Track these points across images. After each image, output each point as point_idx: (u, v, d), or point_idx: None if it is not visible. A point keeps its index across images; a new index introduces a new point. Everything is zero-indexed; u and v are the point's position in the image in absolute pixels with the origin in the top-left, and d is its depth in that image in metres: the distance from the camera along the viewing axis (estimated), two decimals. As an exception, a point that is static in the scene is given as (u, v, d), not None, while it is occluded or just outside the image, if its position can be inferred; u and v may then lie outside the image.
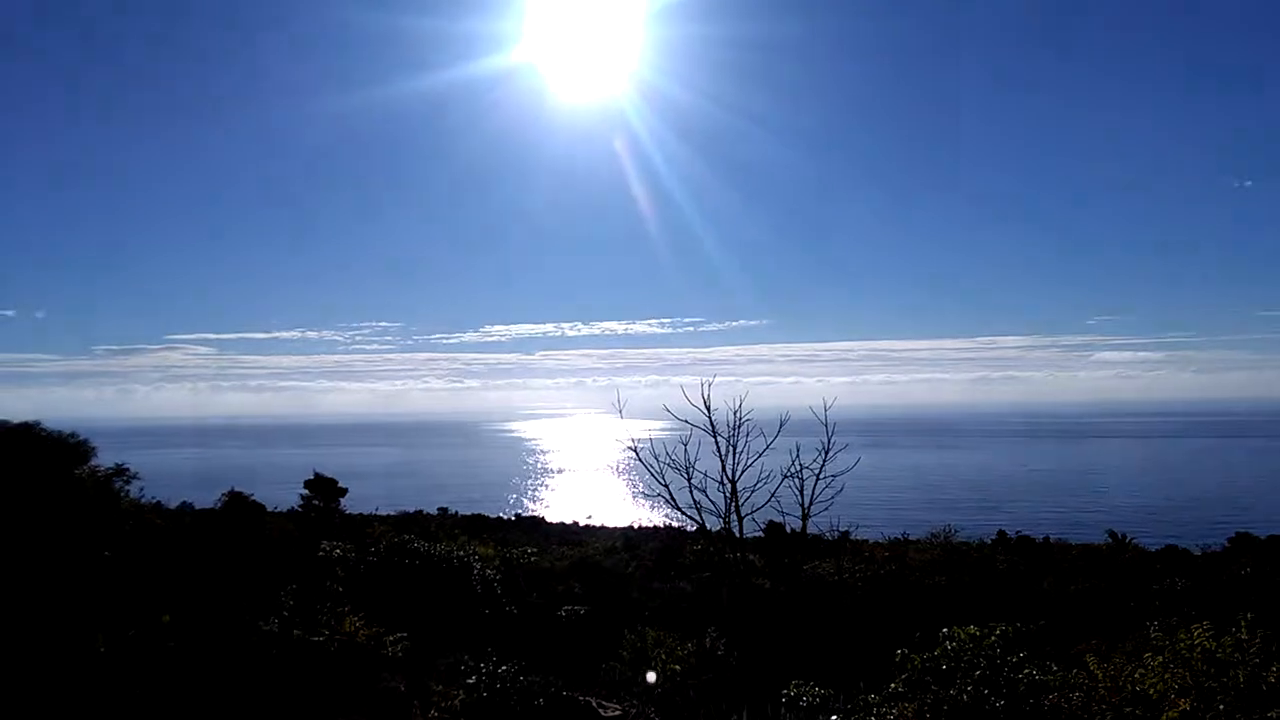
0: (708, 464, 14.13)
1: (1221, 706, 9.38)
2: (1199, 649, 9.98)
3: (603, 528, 55.74)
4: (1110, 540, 30.30)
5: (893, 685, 11.67)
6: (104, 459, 26.65)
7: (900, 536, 33.13)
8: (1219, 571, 21.63)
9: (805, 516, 14.36)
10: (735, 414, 14.23)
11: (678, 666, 15.76)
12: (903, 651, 11.78)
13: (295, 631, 15.95)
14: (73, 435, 24.38)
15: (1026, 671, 10.92)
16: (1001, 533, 36.08)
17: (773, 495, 14.22)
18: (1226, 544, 26.29)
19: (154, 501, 25.54)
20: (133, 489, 24.41)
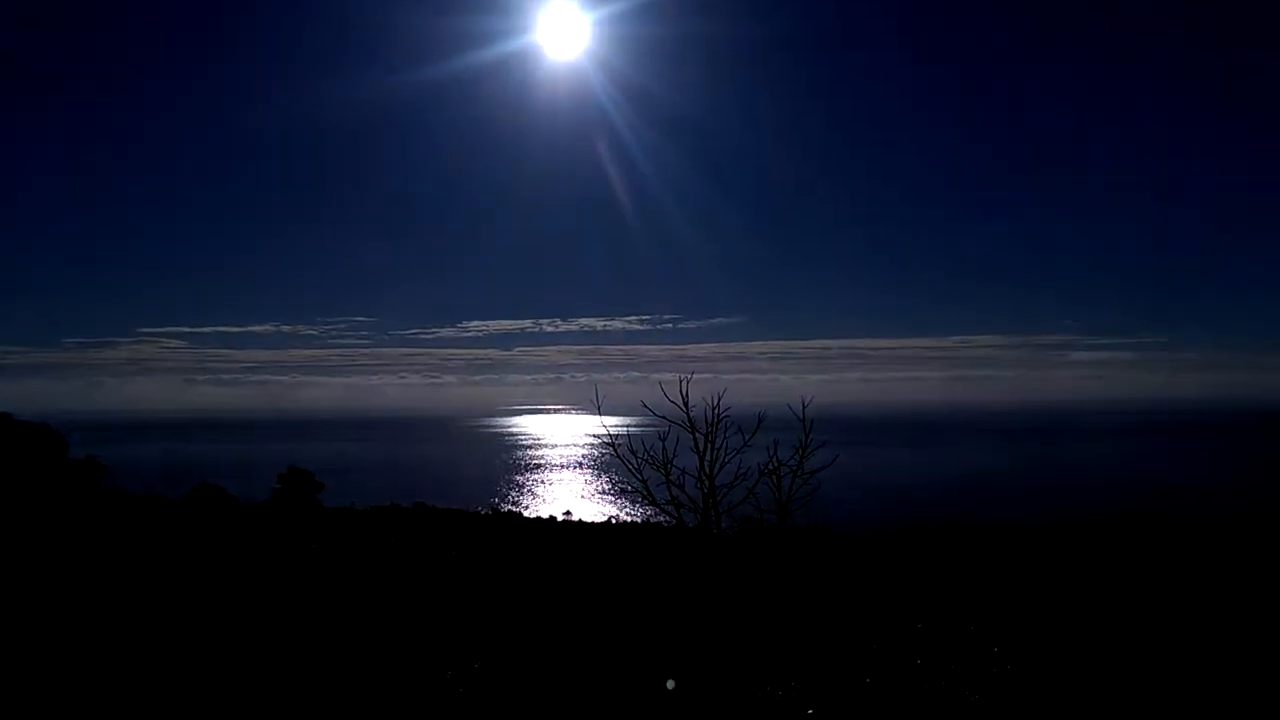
0: (685, 460, 14.13)
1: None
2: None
3: (581, 523, 55.63)
4: (1082, 534, 30.74)
5: (869, 680, 11.71)
6: (75, 452, 26.32)
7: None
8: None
9: (782, 513, 14.41)
10: (713, 410, 14.26)
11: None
12: (876, 646, 11.86)
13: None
14: (45, 426, 24.08)
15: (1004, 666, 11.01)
16: (976, 527, 36.31)
17: (750, 492, 14.27)
18: (1195, 535, 26.87)
19: (125, 494, 25.24)
20: (103, 482, 24.10)
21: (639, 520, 52.10)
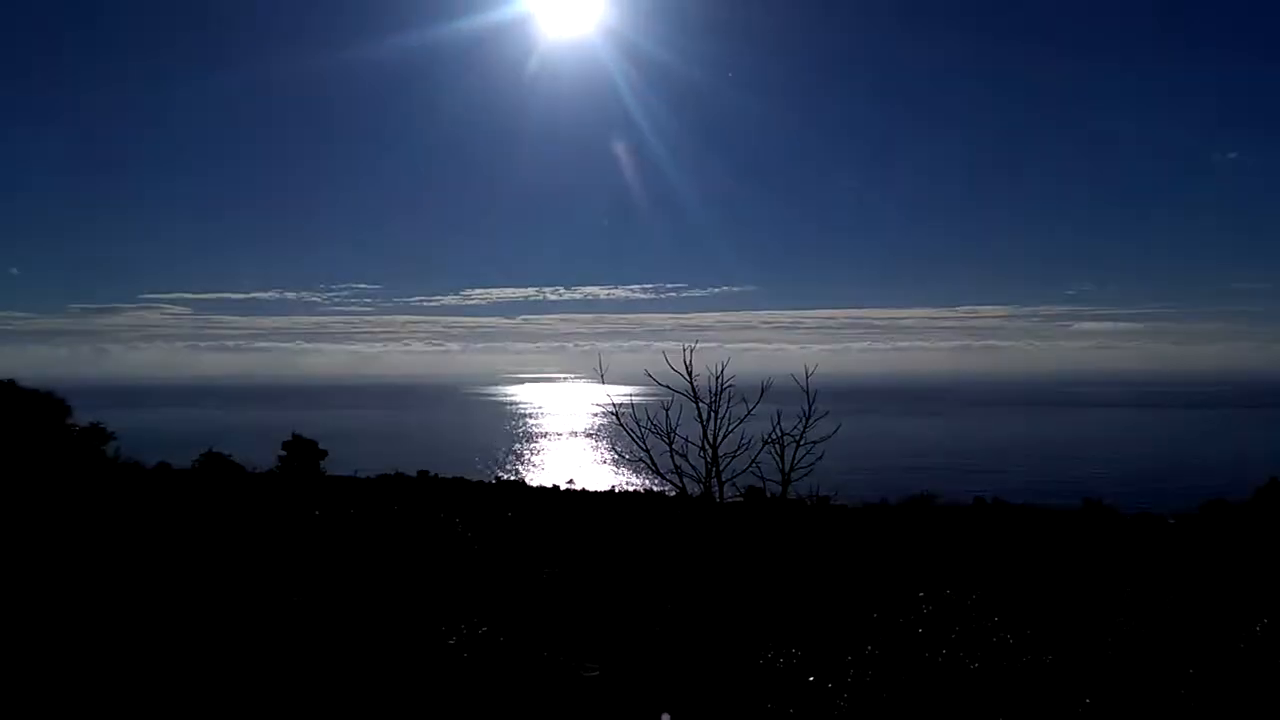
0: (689, 429, 14.12)
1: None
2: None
3: (583, 492, 55.89)
4: (1085, 506, 30.88)
5: (870, 648, 11.78)
6: (80, 418, 26.40)
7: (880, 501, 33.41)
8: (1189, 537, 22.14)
9: (785, 482, 14.41)
10: (717, 380, 14.23)
11: (659, 628, 15.86)
12: (877, 615, 11.92)
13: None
14: (50, 393, 24.15)
15: (1002, 634, 11.06)
16: (979, 499, 36.49)
17: (753, 461, 14.26)
18: (1198, 510, 26.89)
19: (130, 461, 25.35)
20: (109, 449, 24.22)
21: (642, 489, 52.32)
